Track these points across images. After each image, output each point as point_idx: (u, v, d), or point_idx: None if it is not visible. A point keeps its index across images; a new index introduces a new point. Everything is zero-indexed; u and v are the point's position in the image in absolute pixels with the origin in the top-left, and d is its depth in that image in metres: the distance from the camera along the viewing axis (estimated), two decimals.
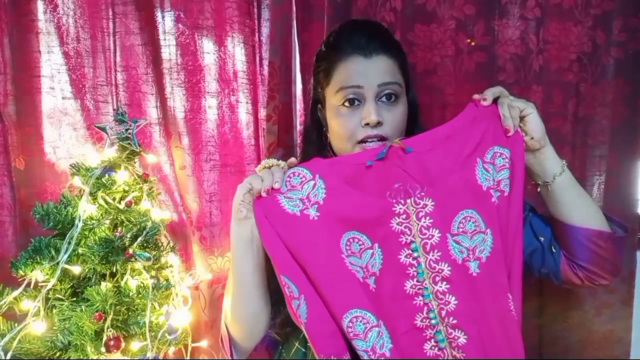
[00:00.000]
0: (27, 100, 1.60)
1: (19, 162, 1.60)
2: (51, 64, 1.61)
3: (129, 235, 1.32)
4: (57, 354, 1.30)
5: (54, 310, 1.31)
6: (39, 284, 1.30)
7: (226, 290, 1.13)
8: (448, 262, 0.94)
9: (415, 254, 0.95)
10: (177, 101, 1.66)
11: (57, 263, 1.28)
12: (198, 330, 1.66)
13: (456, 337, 0.93)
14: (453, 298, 0.93)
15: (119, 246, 1.31)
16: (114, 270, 1.32)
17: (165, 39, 1.64)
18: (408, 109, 1.11)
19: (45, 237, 1.33)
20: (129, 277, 1.33)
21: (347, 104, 1.05)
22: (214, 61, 1.67)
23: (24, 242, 1.47)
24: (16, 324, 1.27)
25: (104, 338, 1.27)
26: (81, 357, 1.28)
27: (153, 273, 1.38)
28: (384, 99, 1.05)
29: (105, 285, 1.29)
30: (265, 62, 1.70)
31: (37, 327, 1.27)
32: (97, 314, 1.26)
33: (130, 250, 1.31)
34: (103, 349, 1.27)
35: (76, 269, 1.31)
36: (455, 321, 0.93)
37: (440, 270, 0.94)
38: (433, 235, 0.94)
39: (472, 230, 0.95)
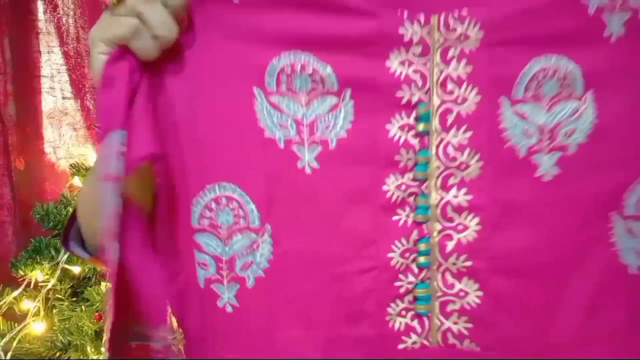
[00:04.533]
0: (27, 100, 1.60)
1: (19, 162, 1.60)
2: (51, 64, 1.61)
3: None
4: (57, 354, 1.30)
5: (54, 311, 1.31)
6: (39, 284, 1.30)
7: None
8: (490, 151, 0.49)
9: (422, 128, 0.49)
10: None
11: (57, 263, 1.28)
12: None
13: (461, 294, 0.50)
14: (475, 221, 0.49)
15: None
16: None
17: None
18: None
19: (45, 237, 1.33)
20: None
21: None
22: None
23: (24, 242, 1.47)
24: (16, 324, 1.27)
25: (104, 338, 1.27)
26: (81, 357, 1.28)
27: None
28: None
29: (105, 285, 1.29)
30: None
31: (37, 327, 1.27)
32: (97, 314, 1.26)
33: None
34: (103, 349, 1.27)
35: (76, 269, 1.31)
36: (469, 263, 0.49)
37: (464, 165, 0.49)
38: (466, 99, 0.48)
39: (555, 94, 0.49)
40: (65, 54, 1.62)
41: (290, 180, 0.50)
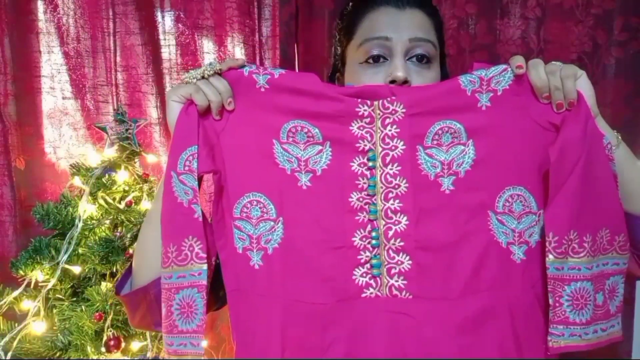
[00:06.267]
0: (27, 100, 1.60)
1: (19, 162, 1.60)
2: (51, 64, 1.61)
3: (129, 235, 1.32)
4: (57, 354, 1.30)
5: (54, 310, 1.31)
6: (39, 284, 1.30)
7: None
8: (411, 177, 0.79)
9: (371, 164, 0.80)
10: None
11: (57, 263, 1.28)
12: None
13: (399, 262, 0.79)
14: (405, 218, 0.79)
15: (119, 246, 1.30)
16: (114, 270, 1.32)
17: (165, 39, 1.64)
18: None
19: (45, 237, 1.33)
20: None
21: (370, 60, 0.87)
22: (214, 61, 1.67)
23: (24, 242, 1.48)
24: (16, 324, 1.27)
25: (104, 338, 1.27)
26: (81, 357, 1.28)
27: None
28: (414, 59, 0.87)
29: (106, 285, 1.29)
30: (267, 62, 1.70)
31: (37, 327, 1.27)
32: (97, 314, 1.26)
33: (131, 250, 1.31)
34: (103, 349, 1.27)
35: (76, 269, 1.31)
36: (402, 243, 0.79)
37: (396, 186, 0.79)
38: (397, 147, 0.79)
39: (450, 141, 0.80)
40: (65, 54, 1.62)
41: (293, 192, 0.80)
